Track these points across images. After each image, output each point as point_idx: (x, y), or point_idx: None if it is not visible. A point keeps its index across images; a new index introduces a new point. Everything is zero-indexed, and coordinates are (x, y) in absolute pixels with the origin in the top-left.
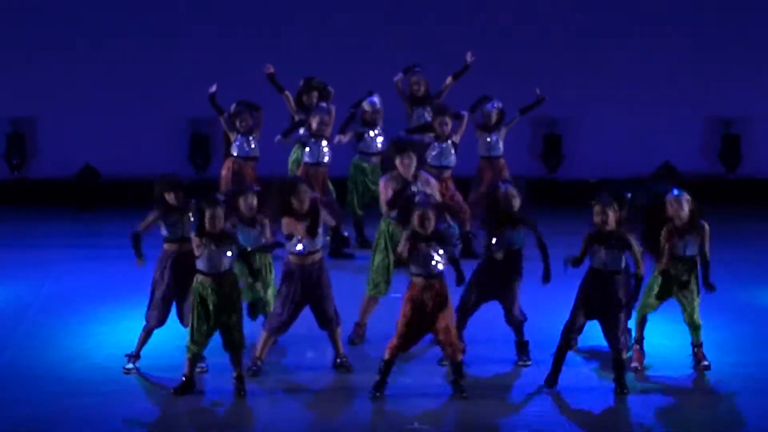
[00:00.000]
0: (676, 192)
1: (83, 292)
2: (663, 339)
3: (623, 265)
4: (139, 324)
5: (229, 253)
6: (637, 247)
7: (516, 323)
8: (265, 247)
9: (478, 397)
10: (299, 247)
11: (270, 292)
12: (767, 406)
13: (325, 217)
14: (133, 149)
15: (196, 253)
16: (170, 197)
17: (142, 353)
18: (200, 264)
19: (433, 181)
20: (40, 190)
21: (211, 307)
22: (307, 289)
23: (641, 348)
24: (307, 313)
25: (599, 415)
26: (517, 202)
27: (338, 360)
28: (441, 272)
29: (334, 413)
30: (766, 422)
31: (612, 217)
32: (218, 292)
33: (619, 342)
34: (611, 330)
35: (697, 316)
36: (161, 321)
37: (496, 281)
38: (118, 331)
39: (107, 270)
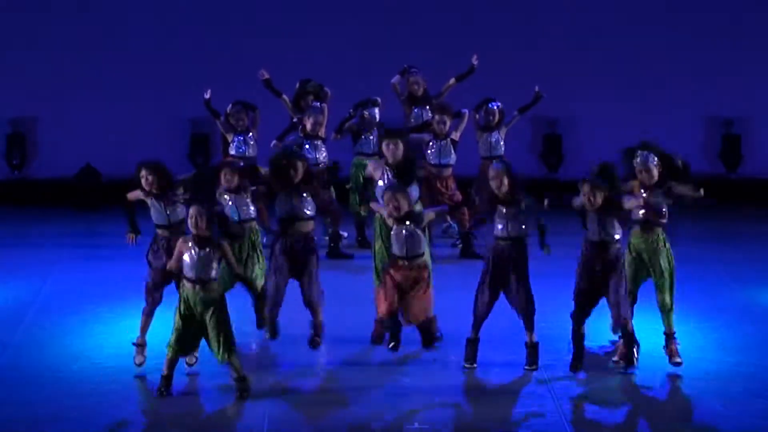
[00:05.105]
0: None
1: (83, 292)
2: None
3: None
4: (137, 324)
5: (214, 264)
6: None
7: (526, 312)
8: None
9: (478, 398)
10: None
11: (257, 269)
12: None
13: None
14: (134, 149)
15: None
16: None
17: (148, 354)
18: (186, 270)
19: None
20: (40, 190)
21: (194, 313)
22: (293, 263)
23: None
24: (304, 316)
25: (601, 415)
26: (501, 183)
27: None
28: (421, 254)
29: (333, 413)
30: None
31: (599, 197)
32: (204, 300)
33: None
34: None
35: (670, 296)
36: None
37: (500, 273)
38: (118, 331)
39: (107, 270)
